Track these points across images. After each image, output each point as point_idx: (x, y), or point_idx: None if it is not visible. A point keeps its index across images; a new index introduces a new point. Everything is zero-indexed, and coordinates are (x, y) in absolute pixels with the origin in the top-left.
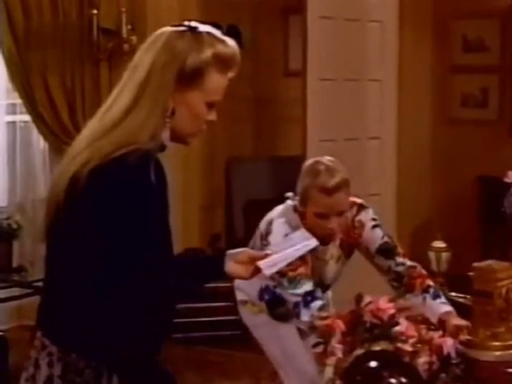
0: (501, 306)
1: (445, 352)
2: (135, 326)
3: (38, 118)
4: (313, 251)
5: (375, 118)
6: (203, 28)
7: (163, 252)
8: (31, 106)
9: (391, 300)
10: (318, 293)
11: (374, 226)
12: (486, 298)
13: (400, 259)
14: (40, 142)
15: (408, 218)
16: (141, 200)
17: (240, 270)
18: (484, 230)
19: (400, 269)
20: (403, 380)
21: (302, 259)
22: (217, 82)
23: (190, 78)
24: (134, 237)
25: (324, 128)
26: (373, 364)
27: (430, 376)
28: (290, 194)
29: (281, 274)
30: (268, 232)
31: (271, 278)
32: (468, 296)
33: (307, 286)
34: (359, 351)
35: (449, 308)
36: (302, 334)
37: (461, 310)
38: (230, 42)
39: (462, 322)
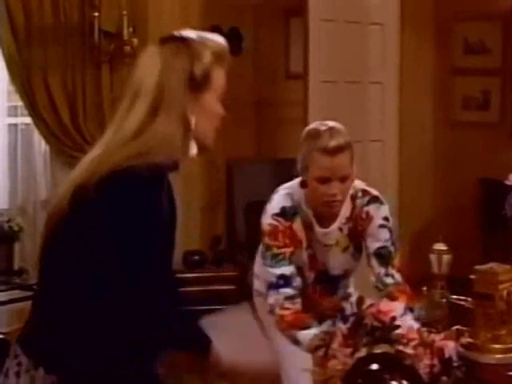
0: (502, 308)
1: (446, 355)
2: (113, 346)
3: (39, 121)
4: (314, 235)
5: (377, 120)
6: (188, 34)
7: (158, 274)
8: (32, 108)
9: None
10: (295, 281)
11: (382, 226)
12: (487, 301)
13: (392, 271)
14: (41, 145)
15: (409, 221)
16: (147, 214)
17: None
18: (485, 233)
19: (388, 280)
20: (404, 383)
21: (292, 238)
22: (221, 76)
23: (201, 83)
24: (134, 250)
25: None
26: (374, 367)
27: (432, 379)
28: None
29: (267, 246)
30: (269, 200)
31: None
32: (469, 299)
33: (285, 269)
34: (360, 354)
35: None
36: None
37: (462, 312)
38: (216, 37)
39: None
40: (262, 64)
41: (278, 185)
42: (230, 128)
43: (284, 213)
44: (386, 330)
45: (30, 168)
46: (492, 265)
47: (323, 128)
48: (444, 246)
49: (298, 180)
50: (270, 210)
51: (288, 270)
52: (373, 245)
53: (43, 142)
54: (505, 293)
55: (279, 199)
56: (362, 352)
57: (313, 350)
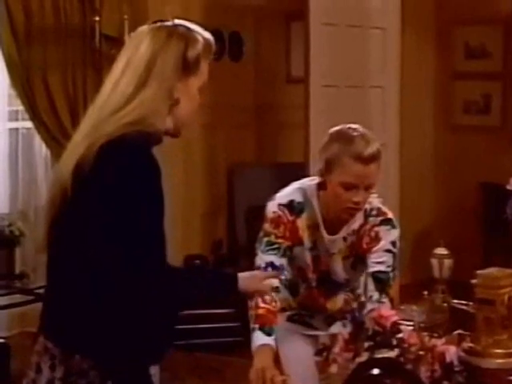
0: (503, 313)
1: (447, 359)
2: (137, 324)
3: (40, 125)
4: (319, 238)
5: (378, 124)
6: (182, 23)
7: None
8: (33, 112)
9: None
10: (282, 274)
11: (388, 251)
12: (488, 306)
13: (384, 299)
14: (42, 149)
15: (410, 225)
16: (141, 181)
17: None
18: (486, 237)
19: (374, 305)
20: None
21: (293, 232)
22: (206, 67)
23: (192, 66)
24: (135, 220)
25: (326, 134)
26: (375, 371)
27: (433, 383)
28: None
29: (266, 232)
30: (279, 191)
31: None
32: (470, 303)
33: (276, 259)
34: (362, 358)
35: None
36: None
37: (463, 317)
38: (205, 32)
39: None
40: (263, 68)
41: (279, 189)
42: (231, 132)
43: (291, 206)
44: (387, 335)
45: (31, 172)
46: (493, 269)
47: (356, 133)
48: (445, 250)
49: (312, 179)
50: (277, 199)
51: (278, 260)
52: (374, 266)
53: (44, 146)
54: (506, 297)
55: (290, 191)
56: (363, 357)
57: (255, 355)
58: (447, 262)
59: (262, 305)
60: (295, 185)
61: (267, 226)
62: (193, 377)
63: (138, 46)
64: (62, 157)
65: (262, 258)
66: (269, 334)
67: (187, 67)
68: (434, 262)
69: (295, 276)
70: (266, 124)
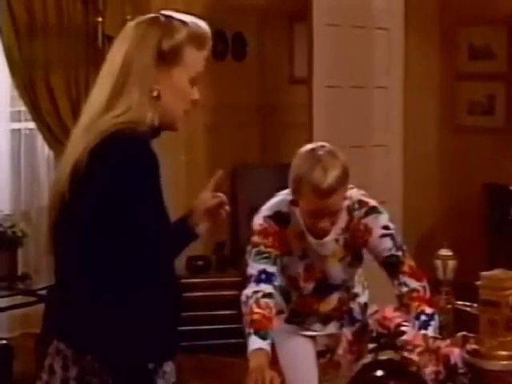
0: (508, 315)
1: (452, 361)
2: (144, 322)
3: (42, 126)
4: (308, 245)
5: (381, 125)
6: (169, 13)
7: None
8: (36, 113)
9: (397, 309)
10: (276, 280)
11: (383, 235)
12: (492, 308)
13: (404, 278)
14: (44, 150)
15: (414, 226)
16: (135, 176)
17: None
18: (490, 239)
19: (401, 289)
20: None
21: (282, 242)
22: (196, 56)
23: (170, 57)
24: (134, 216)
25: (330, 135)
26: (379, 373)
27: None
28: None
29: (254, 243)
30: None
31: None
32: (475, 305)
33: (268, 267)
34: (366, 360)
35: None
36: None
37: (467, 318)
38: (200, 22)
39: None
40: (266, 69)
41: (282, 190)
42: (234, 133)
43: (277, 217)
44: (391, 337)
45: (34, 173)
46: (497, 271)
47: (317, 160)
48: (449, 251)
49: (286, 194)
50: (263, 211)
51: (270, 268)
52: (379, 256)
53: (46, 147)
54: (510, 299)
55: (275, 202)
56: (367, 358)
57: (250, 358)
58: (451, 264)
59: (256, 310)
60: (280, 196)
61: (255, 238)
62: (196, 378)
63: (122, 42)
64: (62, 158)
65: (254, 266)
66: (264, 339)
67: (164, 58)
68: (438, 263)
69: (287, 285)
70: (270, 124)
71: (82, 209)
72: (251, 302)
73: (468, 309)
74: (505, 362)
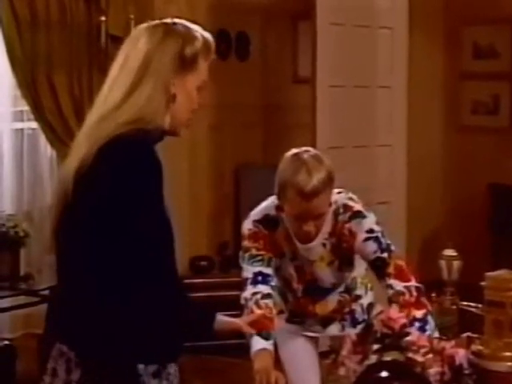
0: None
1: (457, 362)
2: (147, 324)
3: (45, 126)
4: (296, 250)
5: (385, 125)
6: (181, 21)
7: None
8: (38, 113)
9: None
10: (272, 281)
11: (367, 239)
12: (498, 308)
13: (390, 281)
14: (47, 150)
15: (418, 227)
16: (140, 180)
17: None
18: (495, 239)
19: (388, 291)
20: None
21: (272, 245)
22: (205, 65)
23: (189, 63)
24: (139, 214)
25: (333, 135)
26: (384, 374)
27: None
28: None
29: (246, 248)
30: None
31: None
32: (479, 305)
33: (263, 269)
34: (370, 361)
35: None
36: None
37: (472, 319)
38: (205, 32)
39: None
40: (270, 68)
41: None
42: (237, 132)
43: (265, 221)
44: (395, 337)
45: (36, 173)
46: (502, 271)
47: (302, 163)
48: (454, 251)
49: (272, 199)
50: (252, 216)
51: (265, 269)
52: (366, 260)
53: (49, 147)
54: None
55: (264, 207)
56: (372, 359)
57: (254, 359)
58: (456, 264)
59: (256, 311)
60: (268, 200)
61: (246, 243)
62: (198, 379)
63: (136, 44)
64: (66, 159)
65: (249, 269)
66: (266, 339)
67: (184, 64)
68: (443, 263)
69: (282, 286)
70: (273, 124)
71: (85, 209)
72: (251, 303)
73: (473, 309)
74: (510, 363)
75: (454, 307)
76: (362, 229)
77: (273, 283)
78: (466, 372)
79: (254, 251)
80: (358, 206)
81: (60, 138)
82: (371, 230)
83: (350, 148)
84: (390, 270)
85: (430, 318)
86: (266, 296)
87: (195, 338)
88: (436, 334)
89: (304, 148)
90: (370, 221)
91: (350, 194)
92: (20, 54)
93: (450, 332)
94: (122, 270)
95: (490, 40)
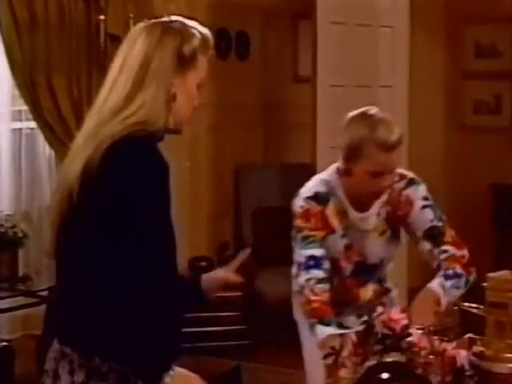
0: None
1: (458, 364)
2: (149, 324)
3: (43, 125)
4: (349, 222)
5: None
6: (178, 19)
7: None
8: (37, 112)
9: (403, 311)
10: (325, 263)
11: (424, 207)
12: (499, 309)
13: (445, 247)
14: (46, 149)
15: None
16: (148, 180)
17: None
18: (497, 239)
19: (441, 256)
20: None
21: (324, 222)
22: (204, 62)
23: (188, 61)
24: (144, 216)
25: (334, 135)
26: (385, 376)
27: None
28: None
29: (299, 228)
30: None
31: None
32: (481, 306)
33: (315, 251)
34: (371, 362)
35: (433, 286)
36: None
37: (474, 320)
38: (203, 28)
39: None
40: (270, 67)
41: (286, 190)
42: (238, 132)
43: (317, 197)
44: (396, 339)
45: (35, 173)
46: (504, 272)
47: (377, 119)
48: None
49: (334, 167)
50: (302, 193)
51: (318, 251)
52: (420, 229)
53: (47, 147)
54: None
55: (314, 183)
56: (373, 361)
57: (323, 347)
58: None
59: (313, 298)
60: (316, 178)
61: (298, 222)
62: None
63: (134, 43)
64: (66, 160)
65: (301, 253)
66: (328, 325)
67: (183, 62)
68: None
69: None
70: (273, 124)
71: (90, 209)
72: (306, 291)
73: (475, 310)
74: None
75: (456, 308)
76: (419, 195)
77: (326, 266)
78: (468, 374)
79: (306, 232)
80: (412, 174)
81: (58, 137)
82: (426, 198)
83: None
84: (447, 238)
85: (463, 280)
86: (321, 280)
87: (190, 310)
88: (457, 293)
89: (365, 108)
90: (424, 188)
91: None
92: (18, 53)
93: (452, 333)
94: (125, 270)
95: (491, 39)
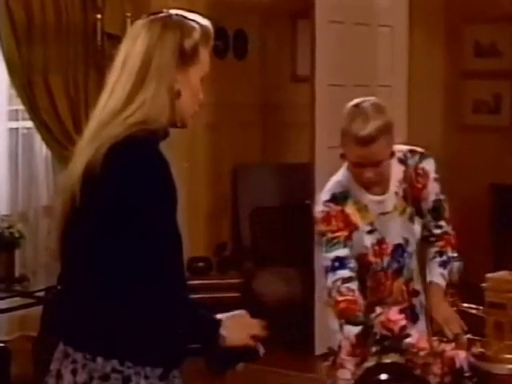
0: None
1: (457, 365)
2: (151, 326)
3: (40, 125)
4: (372, 206)
5: None
6: (177, 12)
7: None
8: (34, 112)
9: (401, 311)
10: (350, 262)
11: (436, 179)
12: (499, 310)
13: (441, 222)
14: (43, 149)
15: None
16: (151, 181)
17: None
18: (497, 239)
19: (434, 230)
20: None
21: (345, 221)
22: (206, 55)
23: (190, 56)
24: (147, 216)
25: (332, 135)
26: (383, 377)
27: None
28: None
29: (321, 232)
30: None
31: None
32: (481, 307)
33: (339, 252)
34: (369, 363)
35: (439, 282)
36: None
37: (473, 321)
38: (203, 19)
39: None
40: (268, 67)
41: (284, 190)
42: (236, 132)
43: (334, 198)
44: (395, 339)
45: (31, 173)
46: (504, 273)
47: (360, 111)
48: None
49: (345, 163)
50: (321, 198)
51: (342, 252)
52: (429, 200)
53: (44, 147)
54: None
55: (329, 187)
56: (371, 361)
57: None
58: (457, 265)
59: (340, 299)
60: (331, 181)
61: (320, 227)
62: (199, 381)
63: (134, 41)
64: (70, 162)
65: (326, 256)
66: (355, 324)
67: (185, 57)
68: None
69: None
70: (271, 123)
71: (93, 210)
72: (334, 293)
73: (474, 311)
74: (511, 366)
75: (455, 309)
76: (432, 168)
77: (351, 264)
78: (467, 375)
79: (329, 235)
80: (419, 149)
81: (55, 137)
82: (436, 171)
83: None
84: (446, 214)
85: (456, 263)
86: (347, 280)
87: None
88: (451, 275)
89: (367, 98)
90: (433, 162)
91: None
92: (16, 53)
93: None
94: (127, 270)
95: (491, 38)
